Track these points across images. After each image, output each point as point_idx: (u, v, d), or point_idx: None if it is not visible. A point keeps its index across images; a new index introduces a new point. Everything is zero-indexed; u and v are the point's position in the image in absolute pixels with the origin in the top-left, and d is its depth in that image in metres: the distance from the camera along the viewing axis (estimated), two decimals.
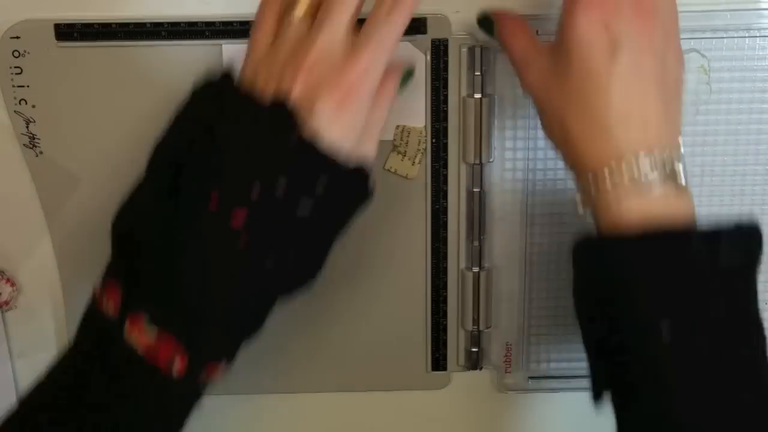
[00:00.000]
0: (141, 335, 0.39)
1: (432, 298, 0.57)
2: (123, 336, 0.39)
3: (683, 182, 0.42)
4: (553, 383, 0.59)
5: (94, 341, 0.41)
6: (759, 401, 0.40)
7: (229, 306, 0.40)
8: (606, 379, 0.45)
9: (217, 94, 0.43)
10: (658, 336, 0.40)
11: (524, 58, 0.47)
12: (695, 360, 0.40)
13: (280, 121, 0.40)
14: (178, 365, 0.40)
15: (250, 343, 0.43)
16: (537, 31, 0.52)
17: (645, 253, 0.41)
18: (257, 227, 0.39)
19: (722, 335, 0.40)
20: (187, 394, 0.42)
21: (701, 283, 0.41)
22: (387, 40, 0.42)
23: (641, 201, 0.41)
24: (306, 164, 0.40)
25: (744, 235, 0.42)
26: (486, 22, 0.50)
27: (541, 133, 0.54)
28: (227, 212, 0.39)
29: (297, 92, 0.40)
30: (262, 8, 0.44)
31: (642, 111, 0.42)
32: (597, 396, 0.45)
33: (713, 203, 0.56)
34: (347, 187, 0.42)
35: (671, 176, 0.41)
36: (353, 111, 0.41)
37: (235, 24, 0.52)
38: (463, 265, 0.57)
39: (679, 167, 0.42)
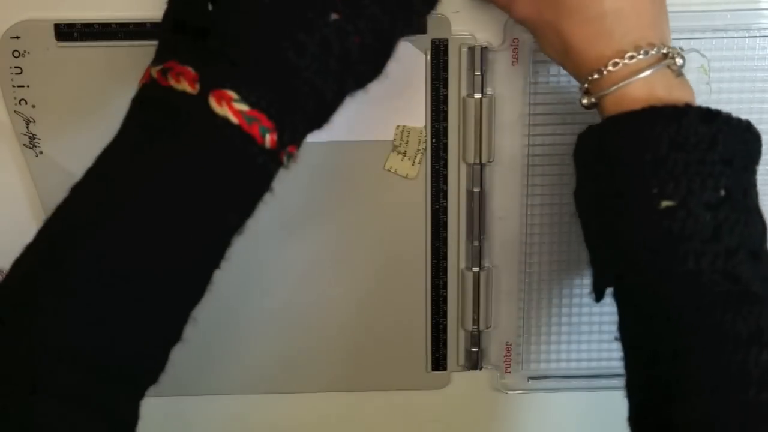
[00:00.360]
0: (232, 109, 0.38)
1: (432, 298, 0.57)
2: (210, 108, 0.38)
3: (682, 72, 0.43)
4: (553, 383, 0.59)
5: (167, 115, 0.39)
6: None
7: (315, 89, 0.40)
8: (608, 273, 0.44)
9: None
10: (656, 205, 0.40)
11: None
12: (697, 229, 0.40)
13: None
14: (270, 138, 0.39)
15: (317, 126, 0.43)
16: None
17: (646, 125, 0.41)
18: (349, 6, 0.39)
19: (725, 215, 0.40)
20: (272, 168, 0.41)
21: (702, 158, 0.41)
22: None
23: (643, 92, 0.42)
24: None
25: (743, 127, 0.43)
26: None
27: (540, 132, 0.54)
28: None
29: None
30: None
31: (633, 6, 0.43)
32: (598, 293, 0.45)
33: None
34: None
35: (671, 67, 0.42)
36: None
37: None
38: (463, 265, 0.57)
39: (678, 59, 0.43)
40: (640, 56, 0.42)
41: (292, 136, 0.41)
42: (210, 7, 0.39)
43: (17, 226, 0.55)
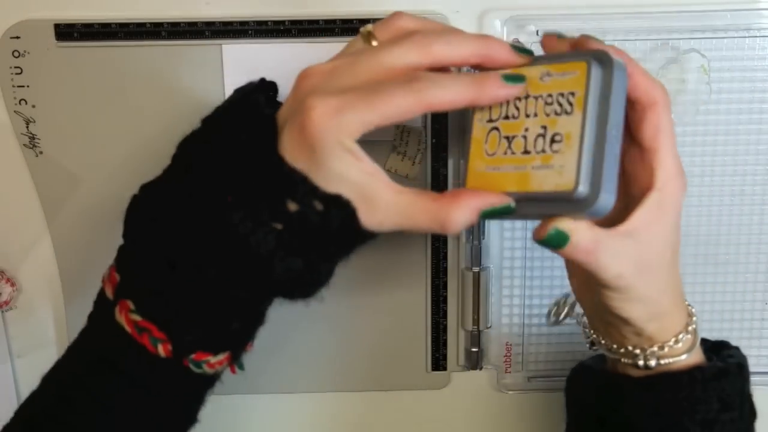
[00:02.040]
0: (127, 319, 0.41)
1: (432, 298, 0.57)
2: (114, 317, 0.41)
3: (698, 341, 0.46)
4: (553, 383, 0.59)
5: (96, 317, 0.44)
6: None
7: (220, 303, 0.41)
8: None
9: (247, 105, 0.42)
10: None
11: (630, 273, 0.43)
12: None
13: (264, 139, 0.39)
14: (162, 349, 0.41)
15: (247, 337, 0.44)
16: (537, 31, 0.52)
17: (649, 392, 0.45)
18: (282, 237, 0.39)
19: None
20: (177, 374, 0.42)
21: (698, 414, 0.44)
22: (428, 98, 0.38)
23: (667, 361, 0.45)
24: (274, 186, 0.39)
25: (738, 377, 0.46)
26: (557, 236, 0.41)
27: None
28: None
29: (285, 106, 0.40)
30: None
31: (678, 291, 0.45)
32: None
33: (713, 203, 0.56)
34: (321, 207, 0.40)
35: (694, 341, 0.45)
36: (305, 142, 0.38)
37: (235, 24, 0.52)
38: (463, 265, 0.57)
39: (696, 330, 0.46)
40: (677, 343, 0.45)
41: (201, 344, 0.41)
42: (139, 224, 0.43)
43: (17, 226, 0.55)
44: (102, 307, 0.43)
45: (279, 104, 0.42)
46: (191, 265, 0.40)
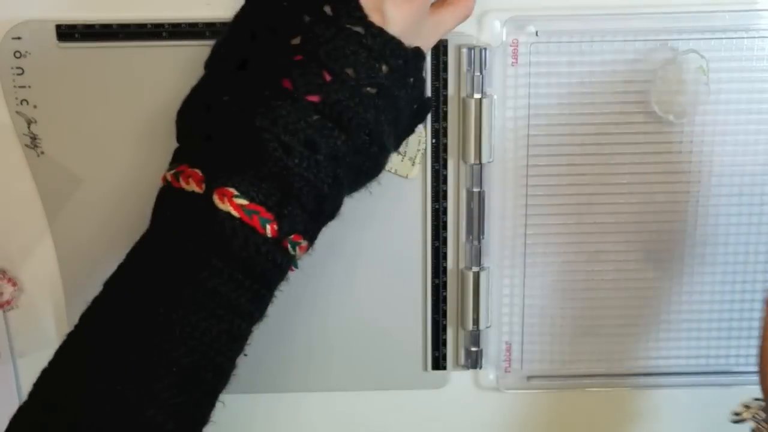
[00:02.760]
0: (233, 204, 0.42)
1: (432, 298, 0.57)
2: (214, 204, 0.42)
3: None
4: (553, 383, 0.59)
5: (180, 214, 0.44)
6: None
7: (310, 183, 0.43)
8: None
9: None
10: None
11: None
12: None
13: (346, 12, 0.44)
14: (270, 228, 0.43)
15: (326, 222, 0.47)
16: (537, 32, 0.53)
17: None
18: (329, 108, 0.43)
19: None
20: (278, 257, 0.44)
21: None
22: None
23: None
24: (371, 50, 0.44)
25: None
26: None
27: (541, 132, 0.54)
28: (301, 95, 0.43)
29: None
30: None
31: None
32: None
33: (713, 203, 0.56)
34: (404, 69, 0.46)
35: None
36: (415, 12, 0.45)
37: None
38: (463, 265, 0.57)
39: None
40: None
41: (293, 225, 0.44)
42: (207, 115, 0.45)
43: (19, 226, 0.56)
44: (182, 205, 0.43)
45: None
46: (289, 147, 0.43)
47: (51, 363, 0.43)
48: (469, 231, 0.56)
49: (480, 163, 0.54)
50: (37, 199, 0.55)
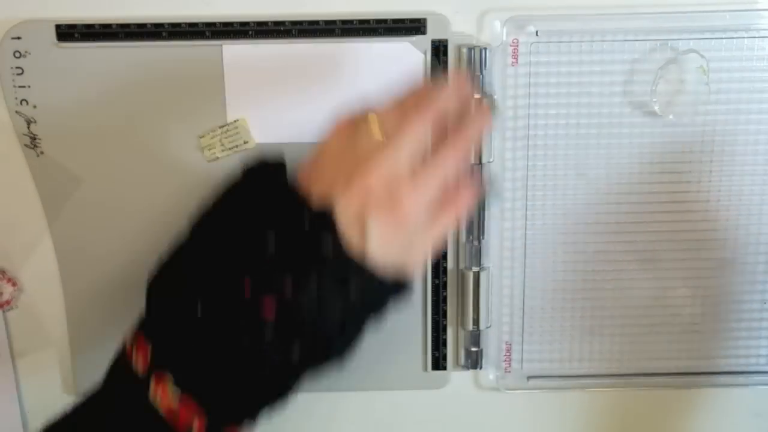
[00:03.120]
0: (165, 396, 0.41)
1: (432, 298, 0.57)
2: (148, 395, 0.41)
3: None
4: (553, 383, 0.59)
5: (119, 394, 0.43)
6: None
7: (253, 382, 0.42)
8: None
9: (268, 181, 0.46)
10: None
11: None
12: None
13: (321, 224, 0.41)
14: (196, 426, 0.41)
15: (276, 409, 0.44)
16: (537, 32, 0.53)
17: None
18: (286, 320, 0.41)
19: None
20: None
21: None
22: (448, 169, 0.43)
23: None
24: (340, 269, 0.41)
25: None
26: None
27: (540, 132, 0.54)
28: (258, 300, 0.41)
29: (348, 202, 0.41)
30: (338, 124, 0.45)
31: None
32: None
33: (713, 203, 0.56)
34: (381, 295, 0.43)
35: None
36: (401, 234, 0.42)
37: (235, 24, 0.52)
38: (463, 265, 0.57)
39: None
40: None
41: (232, 417, 0.42)
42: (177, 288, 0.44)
43: (18, 227, 0.55)
44: (125, 385, 0.43)
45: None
46: (230, 338, 0.41)
47: None
48: (469, 231, 0.56)
49: (480, 163, 0.54)
50: (37, 199, 0.55)
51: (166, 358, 0.41)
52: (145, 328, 0.43)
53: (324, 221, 0.41)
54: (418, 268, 0.44)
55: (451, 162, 0.43)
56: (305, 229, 0.42)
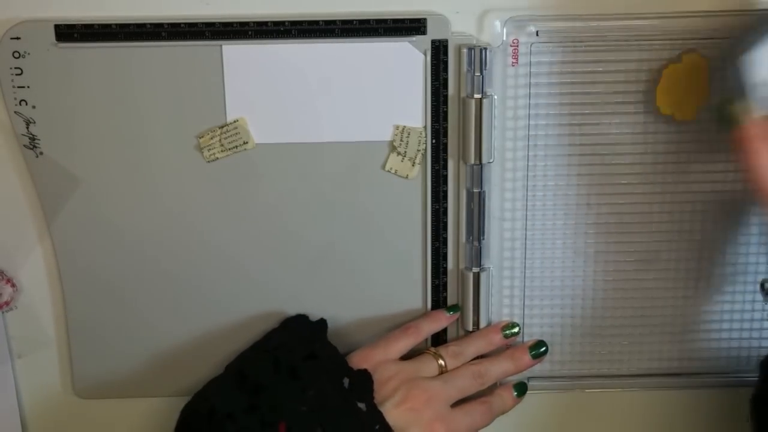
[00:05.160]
0: None
1: (432, 298, 0.57)
2: None
3: None
4: (553, 383, 0.59)
5: None
6: None
7: None
8: None
9: (312, 336, 0.55)
10: None
11: None
12: None
13: (359, 390, 0.50)
14: None
15: None
16: (537, 32, 0.52)
17: None
18: None
19: None
20: None
21: None
22: (495, 412, 0.55)
23: None
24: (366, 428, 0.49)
25: None
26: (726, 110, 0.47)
27: (540, 132, 0.54)
28: None
29: (397, 404, 0.51)
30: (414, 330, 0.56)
31: None
32: None
33: (713, 203, 0.56)
34: None
35: None
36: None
37: (235, 24, 0.52)
38: (463, 265, 0.57)
39: None
40: None
41: None
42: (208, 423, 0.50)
43: (18, 227, 0.55)
44: None
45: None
46: None
47: None
48: (469, 231, 0.56)
49: (480, 164, 0.54)
50: (36, 200, 0.54)
51: None
52: None
53: (364, 389, 0.50)
54: None
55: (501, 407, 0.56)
56: (345, 387, 0.50)
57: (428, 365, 0.54)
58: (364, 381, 0.50)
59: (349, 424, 0.48)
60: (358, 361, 0.53)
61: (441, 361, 0.55)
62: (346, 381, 0.50)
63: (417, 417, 0.50)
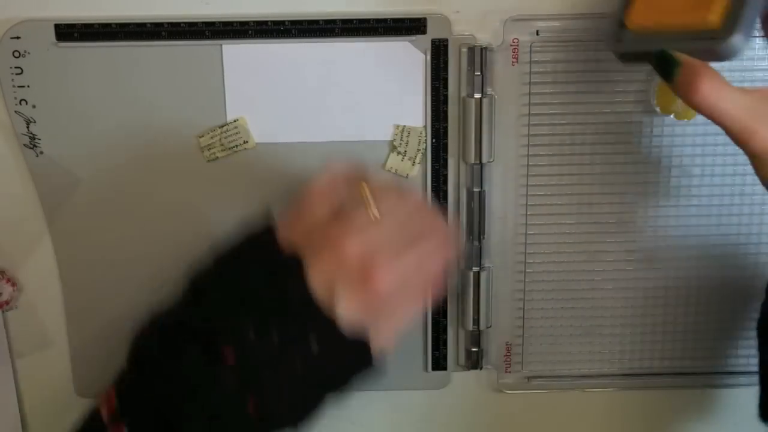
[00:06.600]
0: None
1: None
2: None
3: None
4: (553, 383, 0.59)
5: None
6: None
7: None
8: None
9: (255, 241, 0.44)
10: None
11: (751, 117, 0.41)
12: None
13: (290, 272, 0.41)
14: None
15: None
16: (537, 32, 0.52)
17: None
18: (245, 365, 0.40)
19: None
20: None
21: None
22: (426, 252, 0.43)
23: None
24: (302, 318, 0.41)
25: None
26: (665, 62, 0.42)
27: (540, 132, 0.54)
28: (218, 349, 0.40)
29: (322, 263, 0.41)
30: (330, 175, 0.45)
31: None
32: (765, 415, 0.47)
33: (713, 203, 0.56)
34: (346, 359, 0.42)
35: None
36: (370, 306, 0.41)
37: (235, 24, 0.52)
38: (463, 265, 0.57)
39: None
40: None
41: None
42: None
43: (18, 226, 0.55)
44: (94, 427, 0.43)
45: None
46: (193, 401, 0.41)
47: None
48: (470, 231, 0.56)
49: (480, 163, 0.54)
50: (36, 199, 0.54)
51: (125, 409, 0.41)
52: (118, 380, 0.43)
53: (293, 270, 0.41)
54: (388, 342, 0.44)
55: (431, 247, 0.43)
56: (274, 274, 0.41)
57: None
58: (295, 267, 0.42)
59: (279, 311, 0.41)
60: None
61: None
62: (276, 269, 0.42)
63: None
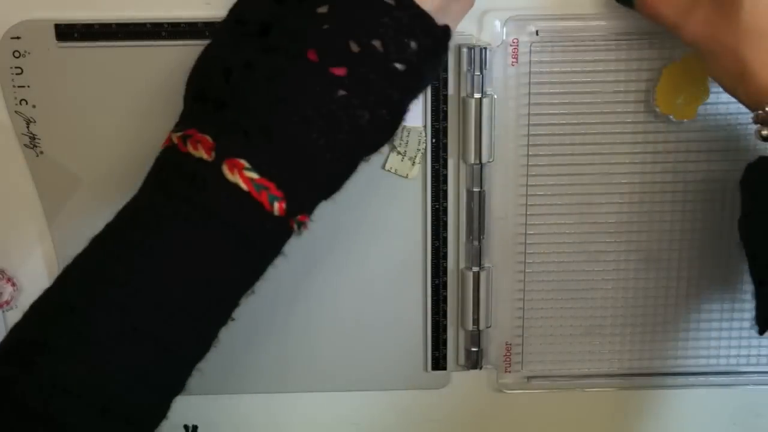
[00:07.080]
0: (243, 177, 0.40)
1: (432, 298, 0.57)
2: (223, 174, 0.40)
3: None
4: (553, 383, 0.59)
5: (183, 179, 0.41)
6: None
7: (325, 161, 0.42)
8: None
9: None
10: None
11: (678, 14, 0.46)
12: None
13: None
14: (278, 206, 0.41)
15: (330, 195, 0.45)
16: (537, 32, 0.52)
17: None
18: (356, 82, 0.41)
19: None
20: (281, 235, 0.43)
21: None
22: None
23: None
24: (401, 23, 0.42)
25: None
26: None
27: (541, 132, 0.54)
28: (326, 67, 0.41)
29: None
30: None
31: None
32: (763, 323, 0.47)
33: (713, 203, 0.56)
34: (433, 47, 0.44)
35: None
36: None
37: None
38: (463, 265, 0.57)
39: None
40: None
41: (302, 205, 0.42)
42: (227, 81, 0.42)
43: (18, 226, 0.55)
44: (186, 171, 0.41)
45: None
46: (310, 122, 0.41)
47: (27, 312, 0.41)
48: (470, 231, 0.56)
49: (480, 163, 0.54)
50: (37, 199, 0.54)
51: (234, 146, 0.40)
52: (192, 122, 0.42)
53: None
54: (453, 25, 0.45)
55: None
56: None
57: None
58: None
59: (383, 25, 0.41)
60: None
61: None
62: None
63: None
